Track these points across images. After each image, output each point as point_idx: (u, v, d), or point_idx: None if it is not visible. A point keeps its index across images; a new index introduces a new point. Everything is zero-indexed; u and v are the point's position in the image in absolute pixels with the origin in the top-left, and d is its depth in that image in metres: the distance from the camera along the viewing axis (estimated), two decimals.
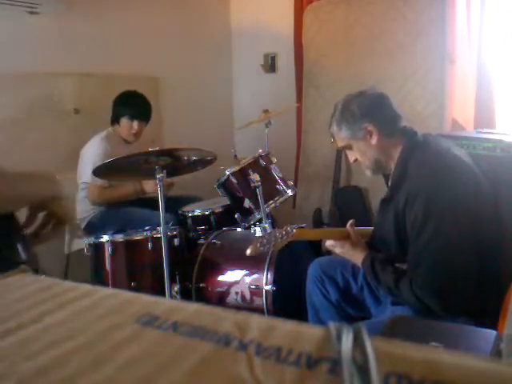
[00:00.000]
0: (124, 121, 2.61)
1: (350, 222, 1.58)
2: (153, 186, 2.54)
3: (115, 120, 2.65)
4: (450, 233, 1.32)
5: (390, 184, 1.54)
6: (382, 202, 1.53)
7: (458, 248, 1.32)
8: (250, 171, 2.31)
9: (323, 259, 1.85)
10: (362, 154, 1.52)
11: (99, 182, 2.46)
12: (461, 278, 1.32)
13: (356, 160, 1.56)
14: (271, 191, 2.36)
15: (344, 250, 1.54)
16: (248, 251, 1.47)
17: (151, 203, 2.57)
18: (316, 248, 2.24)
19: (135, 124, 2.61)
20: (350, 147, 1.55)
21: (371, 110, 1.48)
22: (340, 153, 3.20)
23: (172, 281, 2.04)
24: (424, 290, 1.33)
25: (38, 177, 0.98)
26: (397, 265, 1.45)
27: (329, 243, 1.58)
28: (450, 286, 1.32)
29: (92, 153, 2.53)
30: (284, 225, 2.38)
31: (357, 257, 1.52)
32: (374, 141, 1.47)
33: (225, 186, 2.41)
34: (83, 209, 2.62)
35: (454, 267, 1.32)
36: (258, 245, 1.46)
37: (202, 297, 2.19)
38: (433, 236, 1.32)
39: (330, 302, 1.72)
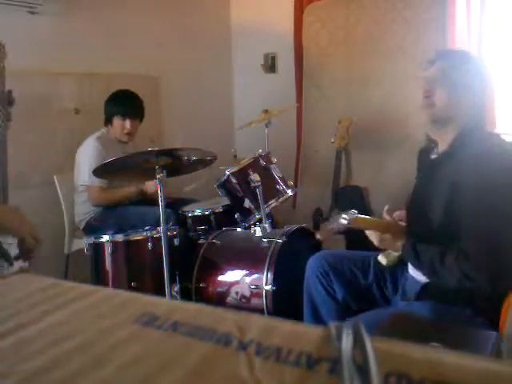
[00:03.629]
0: (116, 120, 2.59)
1: (387, 208, 1.56)
2: (155, 186, 2.53)
3: (108, 120, 2.64)
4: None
5: (451, 145, 1.46)
6: (433, 162, 1.49)
7: None
8: (250, 171, 2.31)
9: (327, 253, 1.80)
10: (447, 98, 1.44)
11: (97, 183, 2.46)
12: None
13: (429, 95, 1.46)
14: (271, 191, 2.36)
15: (386, 240, 1.48)
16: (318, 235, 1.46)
17: (150, 203, 2.57)
18: (316, 247, 2.24)
19: (127, 123, 2.58)
20: (440, 84, 1.45)
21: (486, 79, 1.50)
22: (340, 153, 3.19)
23: (172, 281, 2.04)
24: (473, 264, 1.28)
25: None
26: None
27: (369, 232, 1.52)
28: (504, 262, 1.27)
29: (86, 155, 2.52)
30: (284, 225, 2.37)
31: (397, 241, 1.47)
32: (464, 99, 1.43)
33: (225, 186, 2.41)
34: (81, 210, 2.62)
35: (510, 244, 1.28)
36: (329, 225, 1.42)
37: (202, 297, 2.19)
38: (492, 210, 1.29)
39: (332, 298, 1.69)
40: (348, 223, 1.39)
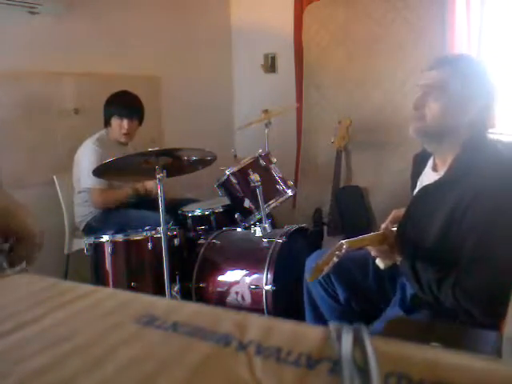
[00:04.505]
0: (114, 121, 2.59)
1: (384, 226, 1.47)
2: (154, 184, 2.51)
3: (107, 122, 2.63)
4: None
5: (449, 171, 1.34)
6: (428, 188, 1.36)
7: None
8: (250, 171, 2.31)
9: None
10: (441, 111, 1.32)
11: (97, 185, 2.46)
12: None
13: (422, 104, 1.34)
14: (271, 191, 2.36)
15: (383, 252, 1.43)
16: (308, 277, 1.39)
17: (149, 205, 2.57)
18: (316, 247, 2.24)
19: (125, 123, 2.57)
20: (435, 95, 1.32)
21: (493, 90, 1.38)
22: (340, 153, 3.19)
23: (172, 281, 2.04)
24: (470, 297, 1.20)
25: None
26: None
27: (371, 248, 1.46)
28: (502, 298, 1.13)
29: (86, 159, 2.52)
30: (284, 224, 2.35)
31: (394, 251, 1.41)
32: (463, 112, 1.31)
33: (225, 186, 2.41)
34: (81, 212, 2.62)
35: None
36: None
37: (202, 297, 2.19)
38: (497, 244, 1.19)
39: (335, 300, 1.67)
40: (342, 255, 1.34)
